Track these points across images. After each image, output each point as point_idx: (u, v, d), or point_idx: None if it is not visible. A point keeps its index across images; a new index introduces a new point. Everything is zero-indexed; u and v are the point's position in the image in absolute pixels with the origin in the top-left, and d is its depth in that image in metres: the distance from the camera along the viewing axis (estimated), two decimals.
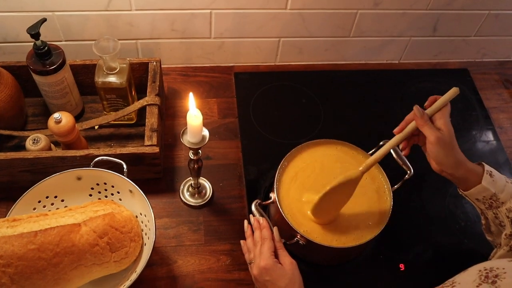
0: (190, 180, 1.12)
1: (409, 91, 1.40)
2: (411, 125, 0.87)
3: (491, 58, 1.52)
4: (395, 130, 0.90)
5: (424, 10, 1.30)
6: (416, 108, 0.86)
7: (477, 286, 0.61)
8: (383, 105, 1.36)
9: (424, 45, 1.43)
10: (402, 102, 1.36)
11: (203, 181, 1.14)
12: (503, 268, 0.61)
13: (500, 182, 0.86)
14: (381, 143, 1.04)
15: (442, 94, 1.33)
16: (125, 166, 0.97)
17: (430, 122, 0.85)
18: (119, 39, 1.09)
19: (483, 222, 0.93)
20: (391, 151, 1.03)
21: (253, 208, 0.98)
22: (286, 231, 0.95)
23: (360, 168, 0.92)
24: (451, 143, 0.84)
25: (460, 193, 0.91)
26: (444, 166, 0.86)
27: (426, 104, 0.86)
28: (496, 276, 0.61)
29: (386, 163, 1.02)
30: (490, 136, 1.32)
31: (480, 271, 0.63)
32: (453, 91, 0.82)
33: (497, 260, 0.66)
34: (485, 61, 1.53)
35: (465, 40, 1.44)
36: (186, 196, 1.12)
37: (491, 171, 0.87)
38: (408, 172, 1.01)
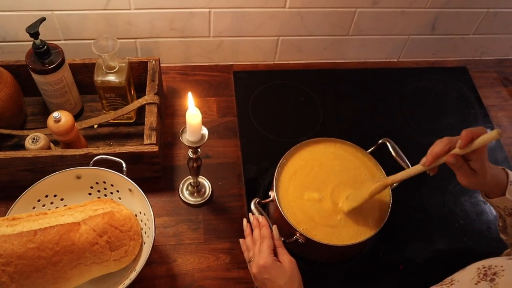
0: (190, 179, 1.13)
1: (408, 89, 1.40)
2: (449, 160, 0.78)
3: (489, 56, 1.53)
4: (423, 163, 0.81)
5: (422, 8, 1.30)
6: (452, 157, 0.77)
7: (475, 284, 0.61)
8: (382, 104, 1.36)
9: (423, 43, 1.43)
10: (401, 100, 1.36)
11: (202, 180, 1.14)
12: (502, 266, 0.62)
13: None
14: (380, 141, 1.05)
15: (441, 93, 1.33)
16: (124, 165, 0.97)
17: (465, 164, 0.78)
18: (118, 38, 1.09)
19: (500, 224, 0.91)
20: (390, 148, 1.03)
21: (252, 206, 0.98)
22: (285, 229, 0.95)
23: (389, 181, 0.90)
24: (483, 181, 0.79)
25: (483, 198, 0.87)
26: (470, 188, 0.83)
27: (460, 142, 0.75)
28: (495, 273, 0.61)
29: (385, 161, 1.02)
30: None
31: (478, 269, 0.63)
32: (495, 134, 0.70)
33: (495, 258, 0.66)
34: (484, 59, 1.53)
35: (464, 38, 1.44)
36: (186, 194, 1.12)
37: None
38: None
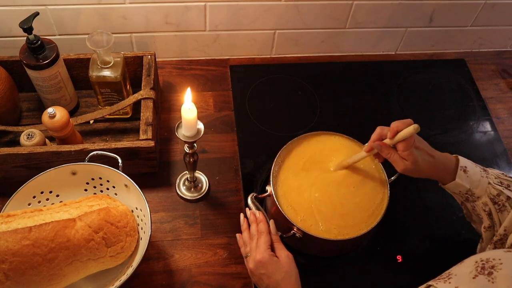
0: (186, 174, 1.12)
1: (405, 82, 1.39)
2: (376, 147, 0.90)
3: (488, 48, 1.52)
4: (365, 149, 0.93)
5: (420, 0, 1.29)
6: (377, 143, 0.89)
7: (473, 278, 0.61)
8: (379, 97, 1.35)
9: (421, 35, 1.42)
10: (398, 93, 1.36)
11: (199, 175, 1.14)
12: (499, 259, 0.61)
13: (475, 177, 0.87)
14: None
15: (439, 86, 1.33)
16: (120, 161, 0.97)
17: (395, 153, 0.87)
18: (113, 33, 1.08)
19: (464, 211, 0.96)
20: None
21: (249, 201, 0.98)
22: (283, 224, 0.94)
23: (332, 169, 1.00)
24: (417, 168, 0.86)
25: (440, 185, 0.93)
26: (417, 177, 0.90)
27: (389, 134, 0.86)
28: (492, 267, 0.60)
29: None
30: (487, 126, 1.32)
31: (476, 262, 0.63)
32: (414, 128, 0.82)
33: (493, 250, 0.66)
34: (482, 51, 1.52)
35: (462, 30, 1.43)
36: (182, 190, 1.12)
37: (465, 167, 0.87)
38: None
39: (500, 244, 0.85)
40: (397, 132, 0.84)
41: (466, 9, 1.35)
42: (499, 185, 0.86)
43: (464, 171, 0.87)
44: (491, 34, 1.46)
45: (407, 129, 0.82)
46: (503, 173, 0.89)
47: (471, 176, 0.87)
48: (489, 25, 1.42)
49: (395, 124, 0.85)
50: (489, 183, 0.86)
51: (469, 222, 0.98)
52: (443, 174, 0.89)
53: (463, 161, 0.88)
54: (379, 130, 0.89)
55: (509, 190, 0.85)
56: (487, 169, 0.89)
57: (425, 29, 1.40)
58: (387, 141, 0.87)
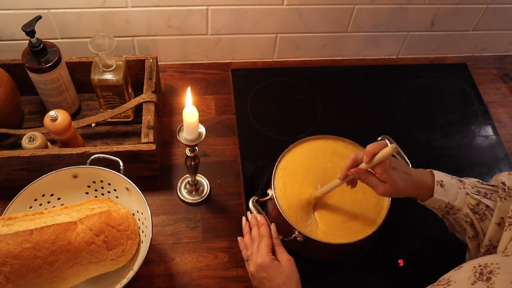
0: (188, 177, 1.12)
1: (407, 86, 1.39)
2: (352, 174, 0.87)
3: (489, 52, 1.52)
4: (339, 177, 0.89)
5: (421, 4, 1.29)
6: (353, 170, 0.86)
7: (472, 284, 0.61)
8: (381, 101, 1.35)
9: (422, 40, 1.42)
10: (400, 97, 1.36)
11: (201, 178, 1.14)
12: (497, 264, 0.61)
13: (452, 190, 0.86)
14: (379, 138, 1.04)
15: (441, 90, 1.33)
16: (121, 164, 0.97)
17: (373, 177, 0.85)
18: (115, 36, 1.09)
19: (446, 224, 0.95)
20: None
21: (250, 205, 0.97)
22: (284, 228, 0.94)
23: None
24: (396, 189, 0.85)
25: (418, 202, 0.92)
26: (397, 197, 0.88)
27: (365, 158, 0.83)
28: (491, 272, 0.60)
29: None
30: (489, 130, 1.31)
31: (474, 267, 0.63)
32: (392, 149, 0.79)
33: (490, 255, 0.65)
34: (484, 55, 1.52)
35: (463, 34, 1.43)
36: (184, 193, 1.11)
37: (441, 181, 0.86)
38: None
39: (489, 254, 0.84)
40: (374, 155, 0.82)
41: (467, 14, 1.35)
42: (477, 194, 0.85)
43: (441, 185, 0.86)
44: (492, 39, 1.46)
45: (385, 150, 0.80)
46: (479, 181, 0.88)
47: (449, 190, 0.86)
48: (491, 29, 1.42)
49: (371, 147, 0.82)
50: (467, 193, 0.85)
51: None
52: (421, 191, 0.87)
53: (439, 175, 0.87)
54: (353, 155, 0.86)
55: (487, 198, 0.85)
56: (463, 179, 0.88)
57: (427, 33, 1.40)
58: (363, 165, 0.85)
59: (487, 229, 0.84)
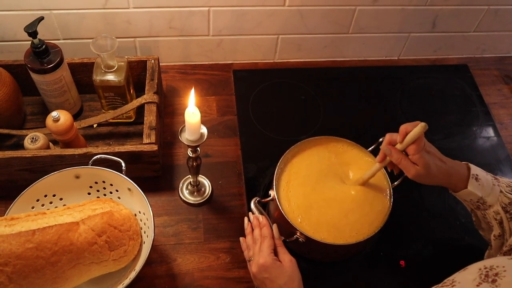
0: (189, 178, 1.12)
1: (408, 87, 1.39)
2: (385, 150, 0.88)
3: (490, 53, 1.52)
4: (377, 160, 0.91)
5: (423, 6, 1.29)
6: (386, 147, 0.86)
7: (477, 286, 0.61)
8: (382, 102, 1.35)
9: (424, 41, 1.42)
10: (401, 98, 1.36)
11: (202, 179, 1.14)
12: (503, 266, 0.61)
13: (487, 185, 0.86)
14: (380, 139, 1.04)
15: (442, 91, 1.33)
16: (123, 164, 0.97)
17: (405, 158, 0.85)
18: (117, 37, 1.09)
19: (474, 219, 0.94)
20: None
21: (252, 205, 0.97)
22: (286, 229, 0.94)
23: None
24: (429, 173, 0.84)
25: (450, 192, 0.92)
26: (429, 184, 0.88)
27: (398, 138, 0.84)
28: (496, 274, 0.60)
29: None
30: (490, 132, 1.31)
31: (480, 269, 0.63)
32: (422, 127, 0.80)
33: (496, 258, 0.65)
34: (485, 56, 1.52)
35: (465, 35, 1.43)
36: (185, 194, 1.12)
37: (477, 175, 0.86)
38: None
39: (509, 254, 0.84)
40: (406, 133, 0.82)
41: (469, 15, 1.35)
42: (511, 194, 0.85)
43: (476, 179, 0.86)
44: (494, 40, 1.46)
45: (416, 128, 0.80)
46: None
47: (483, 184, 0.85)
48: (492, 30, 1.42)
49: (403, 126, 0.83)
50: (501, 191, 0.85)
51: (472, 227, 0.98)
52: (455, 181, 0.87)
53: (475, 169, 0.87)
54: (388, 137, 0.87)
55: None
56: (498, 177, 0.88)
57: (428, 35, 1.40)
58: (397, 146, 0.86)
59: None
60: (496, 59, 1.52)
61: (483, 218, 0.90)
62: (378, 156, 0.90)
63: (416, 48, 1.45)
